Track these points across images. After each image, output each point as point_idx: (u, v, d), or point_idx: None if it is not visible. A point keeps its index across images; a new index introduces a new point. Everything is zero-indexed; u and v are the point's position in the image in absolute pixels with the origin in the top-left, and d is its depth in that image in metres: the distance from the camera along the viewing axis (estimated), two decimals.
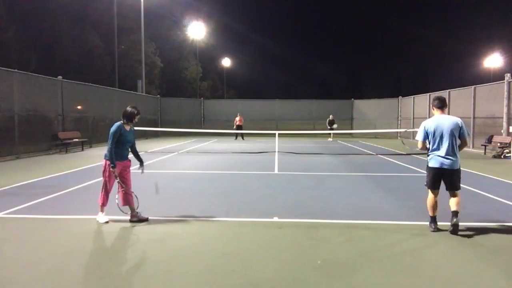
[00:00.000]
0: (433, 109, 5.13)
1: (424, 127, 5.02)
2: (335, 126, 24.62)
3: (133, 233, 4.99)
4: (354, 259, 4.09)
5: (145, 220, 5.43)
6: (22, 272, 3.72)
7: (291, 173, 10.21)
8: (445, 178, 4.96)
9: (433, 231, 5.00)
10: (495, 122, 15.79)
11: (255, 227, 5.25)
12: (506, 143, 14.18)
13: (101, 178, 5.45)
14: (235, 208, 6.32)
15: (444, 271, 3.80)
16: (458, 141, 4.96)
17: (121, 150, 5.37)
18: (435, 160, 4.94)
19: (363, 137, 27.45)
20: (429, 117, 22.51)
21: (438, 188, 5.05)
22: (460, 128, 4.92)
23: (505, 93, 14.92)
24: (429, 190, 5.10)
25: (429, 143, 5.02)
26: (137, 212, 5.44)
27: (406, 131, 14.13)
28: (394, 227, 5.27)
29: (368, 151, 16.96)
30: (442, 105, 5.04)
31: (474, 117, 17.28)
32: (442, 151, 4.87)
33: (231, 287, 3.44)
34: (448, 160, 4.86)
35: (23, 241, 4.65)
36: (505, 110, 14.95)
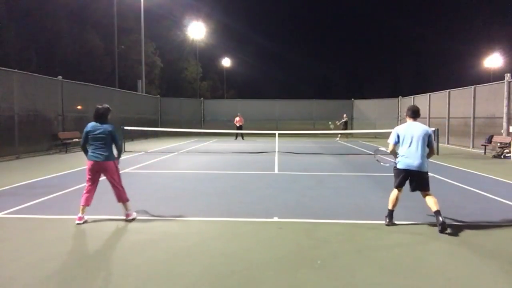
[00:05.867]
0: (406, 117, 5.51)
1: (397, 132, 5.38)
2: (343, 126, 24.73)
3: (133, 233, 4.98)
4: (354, 259, 4.09)
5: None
6: (22, 272, 3.72)
7: (291, 173, 10.21)
8: (413, 179, 5.27)
9: (387, 225, 5.29)
10: (495, 122, 15.78)
11: (255, 227, 5.25)
12: (506, 143, 14.17)
13: (101, 179, 5.45)
14: (235, 208, 6.32)
15: (444, 271, 3.80)
16: (427, 149, 5.28)
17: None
18: (403, 162, 5.25)
19: (363, 137, 27.43)
20: (429, 117, 22.63)
21: (402, 187, 5.37)
22: (429, 137, 5.26)
23: (505, 93, 14.90)
24: (395, 188, 5.41)
25: (399, 147, 5.35)
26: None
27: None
28: (394, 227, 5.26)
29: (368, 151, 16.95)
30: (415, 115, 5.45)
31: (474, 117, 17.26)
32: (411, 154, 5.19)
33: (231, 287, 3.44)
34: (415, 163, 5.16)
35: (23, 241, 4.65)
36: (505, 110, 14.94)
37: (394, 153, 5.44)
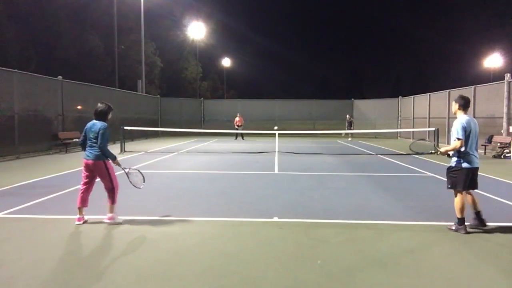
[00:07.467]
0: (459, 108, 5.05)
1: (465, 126, 4.89)
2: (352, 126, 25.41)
3: (133, 233, 4.98)
4: (354, 259, 4.09)
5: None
6: (22, 272, 3.72)
7: (291, 173, 10.21)
8: (475, 177, 5.01)
9: (465, 233, 4.90)
10: (495, 122, 15.77)
11: (255, 227, 5.25)
12: (506, 143, 14.16)
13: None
14: (235, 208, 6.32)
15: (444, 271, 3.80)
16: None
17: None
18: (472, 160, 4.93)
19: (363, 137, 27.43)
20: (429, 116, 22.54)
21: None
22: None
23: (505, 93, 14.89)
24: (460, 192, 5.00)
25: (464, 144, 4.95)
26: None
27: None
28: (394, 227, 5.26)
29: (368, 151, 16.95)
30: (467, 106, 5.08)
31: (474, 117, 17.22)
32: (475, 151, 5.01)
33: (231, 287, 3.44)
34: (478, 159, 4.99)
35: (23, 241, 4.65)
36: (505, 110, 14.93)
37: (458, 149, 4.93)
